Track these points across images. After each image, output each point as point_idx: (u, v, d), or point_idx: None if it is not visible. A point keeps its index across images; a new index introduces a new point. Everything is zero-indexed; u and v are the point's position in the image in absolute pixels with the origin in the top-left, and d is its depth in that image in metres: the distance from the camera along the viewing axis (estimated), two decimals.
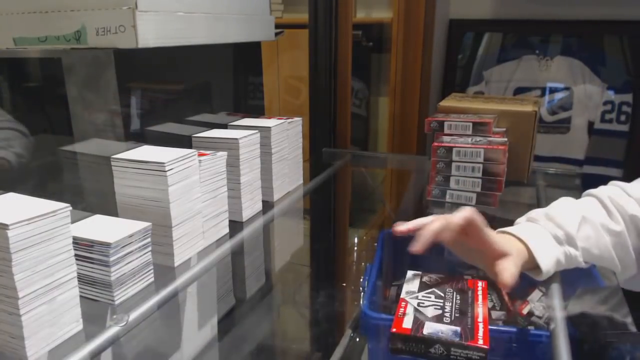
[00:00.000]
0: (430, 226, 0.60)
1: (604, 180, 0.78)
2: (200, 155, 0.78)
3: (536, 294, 0.86)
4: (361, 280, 0.89)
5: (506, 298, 0.81)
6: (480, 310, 0.57)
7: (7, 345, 0.54)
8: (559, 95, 1.60)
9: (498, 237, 0.64)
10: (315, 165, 1.31)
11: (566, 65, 1.59)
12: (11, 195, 0.59)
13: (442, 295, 0.60)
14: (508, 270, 0.60)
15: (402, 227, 0.63)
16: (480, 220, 0.62)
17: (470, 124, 1.04)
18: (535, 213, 0.73)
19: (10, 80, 0.93)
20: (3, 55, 0.86)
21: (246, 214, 0.92)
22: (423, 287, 0.62)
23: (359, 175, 1.48)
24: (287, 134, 1.04)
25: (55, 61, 0.85)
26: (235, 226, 0.88)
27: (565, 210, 0.71)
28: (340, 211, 1.32)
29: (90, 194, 0.83)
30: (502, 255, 0.63)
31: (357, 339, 0.77)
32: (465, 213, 0.61)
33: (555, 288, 0.70)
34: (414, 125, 1.59)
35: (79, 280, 0.59)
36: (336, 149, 1.44)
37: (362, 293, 0.83)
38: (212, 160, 0.81)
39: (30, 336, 0.53)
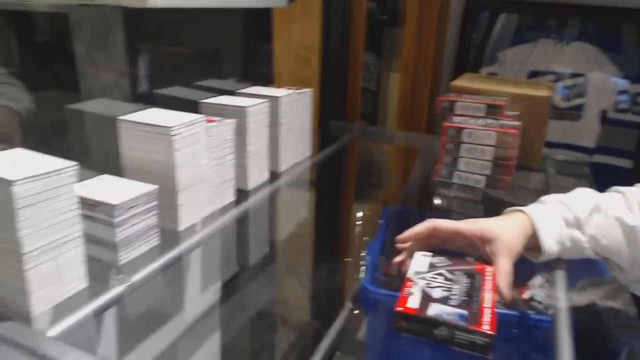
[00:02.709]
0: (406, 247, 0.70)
1: (614, 170, 0.77)
2: (208, 121, 0.77)
3: (538, 279, 0.86)
4: (363, 254, 0.89)
5: None
6: (488, 296, 0.56)
7: (12, 300, 0.54)
8: (573, 81, 1.57)
9: (479, 224, 0.67)
10: (323, 138, 1.29)
11: (582, 51, 1.56)
12: (19, 151, 0.59)
13: (451, 277, 0.60)
14: (501, 278, 0.60)
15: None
16: (444, 222, 0.68)
17: (483, 106, 1.02)
18: (547, 197, 0.72)
19: (18, 34, 0.91)
20: (9, 8, 0.84)
21: (252, 183, 0.92)
22: (431, 268, 0.62)
23: (367, 150, 1.47)
24: (297, 104, 1.03)
25: (62, 17, 0.83)
26: (241, 194, 0.88)
27: (580, 197, 0.71)
28: (346, 185, 1.31)
29: (98, 153, 0.82)
30: (488, 239, 0.65)
31: (356, 312, 0.77)
32: (426, 223, 0.68)
33: (560, 275, 0.69)
34: (424, 103, 1.56)
35: (85, 240, 0.58)
36: (345, 122, 1.42)
37: (364, 267, 0.83)
38: (219, 127, 0.80)
39: (34, 291, 0.53)
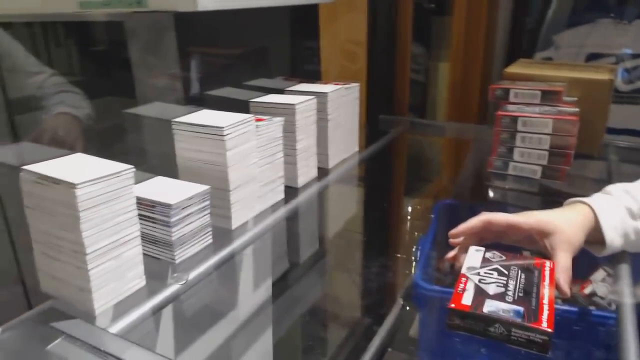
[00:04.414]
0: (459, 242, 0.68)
1: None
2: (258, 120, 0.78)
3: (600, 274, 0.82)
4: (414, 250, 0.88)
5: None
6: (547, 292, 0.54)
7: (76, 298, 0.57)
8: (636, 63, 1.48)
9: (536, 217, 0.64)
10: (372, 133, 1.29)
11: None
12: (78, 155, 0.62)
13: (506, 273, 0.58)
14: (560, 273, 0.58)
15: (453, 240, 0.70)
16: (498, 215, 0.65)
17: (539, 92, 0.98)
18: (611, 187, 0.69)
19: (77, 44, 0.96)
20: (69, 19, 0.88)
21: (301, 180, 0.92)
22: (486, 263, 0.60)
23: (416, 144, 1.45)
24: (344, 100, 1.03)
25: (118, 25, 0.86)
26: (291, 192, 0.89)
27: None
28: (396, 180, 1.30)
29: (153, 155, 0.85)
30: (546, 233, 0.62)
31: (408, 308, 0.76)
32: (479, 217, 0.66)
33: (624, 269, 0.66)
34: (475, 92, 1.52)
35: (142, 239, 0.61)
36: (393, 116, 1.41)
37: (415, 263, 0.82)
38: (269, 126, 0.81)
39: (97, 290, 0.56)
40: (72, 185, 0.52)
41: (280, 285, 0.80)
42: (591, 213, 0.64)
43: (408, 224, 1.18)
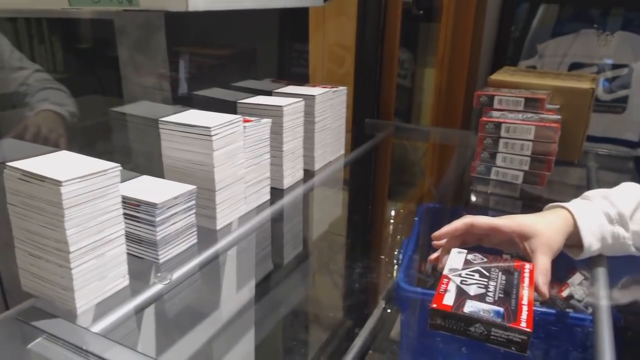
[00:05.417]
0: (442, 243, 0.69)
1: None
2: (245, 121, 0.79)
3: (577, 277, 0.84)
4: (396, 253, 0.88)
5: None
6: (526, 293, 0.55)
7: (58, 297, 0.57)
8: (617, 73, 1.51)
9: (517, 220, 0.65)
10: (357, 136, 1.30)
11: (627, 40, 1.50)
12: (64, 153, 0.62)
13: (487, 274, 0.59)
14: (539, 275, 0.59)
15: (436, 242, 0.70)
16: (480, 218, 0.66)
17: (522, 100, 1.00)
18: (590, 192, 0.70)
19: (64, 41, 0.95)
20: (58, 16, 0.88)
21: (287, 182, 0.93)
22: (467, 265, 0.61)
23: (401, 148, 1.46)
24: (331, 103, 1.03)
25: (107, 23, 0.86)
26: (276, 193, 0.89)
27: (624, 192, 0.68)
28: (380, 183, 1.31)
29: (139, 154, 0.85)
30: (526, 236, 0.63)
31: (389, 311, 0.77)
32: (462, 219, 0.67)
33: (601, 273, 0.67)
34: (460, 99, 1.54)
35: (126, 238, 0.61)
36: (379, 120, 1.42)
37: (397, 266, 0.83)
38: (256, 127, 0.81)
39: (79, 289, 0.56)
40: (57, 183, 0.52)
41: (264, 287, 0.80)
42: (570, 217, 0.66)
43: (391, 226, 1.19)
